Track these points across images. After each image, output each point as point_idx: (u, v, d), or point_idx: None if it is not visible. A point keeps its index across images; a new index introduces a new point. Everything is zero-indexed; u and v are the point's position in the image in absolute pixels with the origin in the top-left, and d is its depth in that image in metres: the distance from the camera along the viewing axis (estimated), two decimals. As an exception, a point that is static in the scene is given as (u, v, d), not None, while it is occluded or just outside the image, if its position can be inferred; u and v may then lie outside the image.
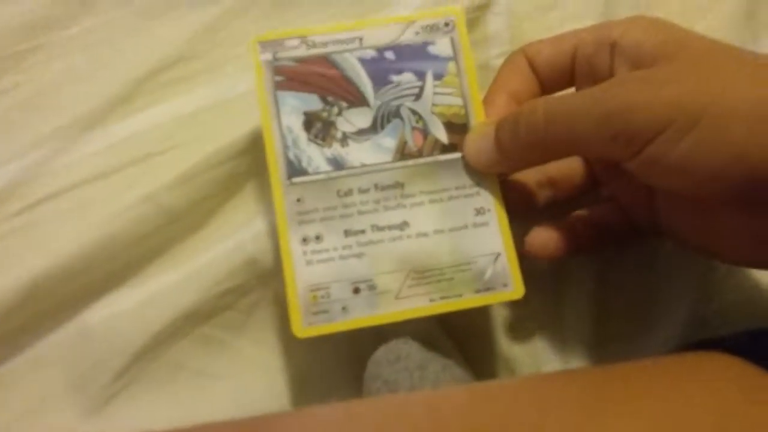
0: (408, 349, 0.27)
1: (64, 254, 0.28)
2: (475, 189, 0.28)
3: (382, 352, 0.27)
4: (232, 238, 0.30)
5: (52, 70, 0.32)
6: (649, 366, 0.23)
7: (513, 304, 0.32)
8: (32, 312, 0.29)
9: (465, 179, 0.28)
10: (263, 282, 0.30)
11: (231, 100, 0.32)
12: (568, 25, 0.34)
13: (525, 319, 0.32)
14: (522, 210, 0.30)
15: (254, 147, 0.31)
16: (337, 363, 0.31)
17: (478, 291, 0.27)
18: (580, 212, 0.31)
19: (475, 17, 0.34)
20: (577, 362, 0.31)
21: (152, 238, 0.30)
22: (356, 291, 0.27)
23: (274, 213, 0.27)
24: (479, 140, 0.27)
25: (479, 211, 0.28)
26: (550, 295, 0.32)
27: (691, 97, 0.22)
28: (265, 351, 0.31)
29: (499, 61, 0.30)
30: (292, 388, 0.30)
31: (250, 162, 0.31)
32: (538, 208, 0.31)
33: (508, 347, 0.32)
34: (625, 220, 0.30)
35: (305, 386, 0.31)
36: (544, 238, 0.29)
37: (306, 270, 0.27)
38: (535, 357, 0.32)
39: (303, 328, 0.26)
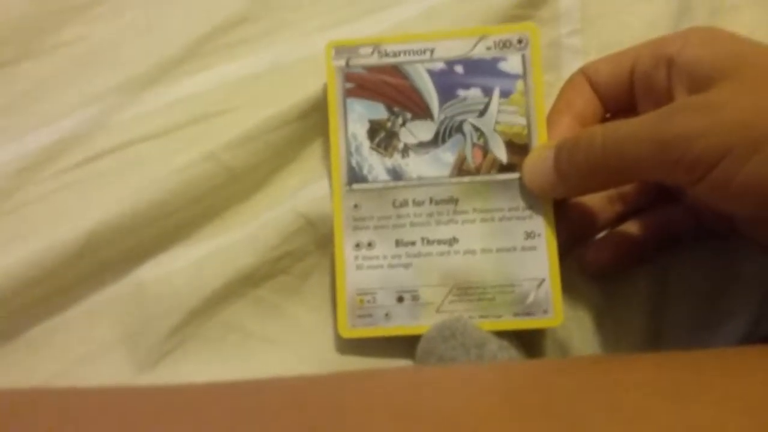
0: (463, 327, 0.27)
1: (119, 210, 0.28)
2: (528, 212, 0.28)
3: (435, 329, 0.27)
4: (290, 201, 0.30)
5: (116, 24, 0.32)
6: (718, 354, 0.23)
7: (566, 288, 0.29)
8: (87, 265, 0.29)
9: (519, 201, 0.28)
10: (320, 247, 0.30)
11: (288, 65, 0.32)
12: (638, 4, 0.32)
13: (579, 303, 0.30)
14: (586, 233, 0.29)
15: (312, 113, 0.31)
16: (391, 338, 0.30)
17: (517, 314, 0.28)
18: (644, 217, 0.29)
19: None
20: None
21: (210, 198, 0.30)
22: (400, 300, 0.28)
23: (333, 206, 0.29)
24: (538, 163, 0.27)
25: (529, 235, 0.28)
26: (602, 285, 0.30)
27: (753, 118, 0.22)
28: (319, 317, 0.30)
29: (571, 41, 0.29)
30: (345, 357, 0.30)
31: (308, 127, 0.31)
32: (604, 227, 0.30)
33: (561, 331, 0.30)
34: (697, 222, 0.29)
35: (357, 355, 0.30)
36: (607, 254, 0.29)
37: (356, 274, 0.28)
38: (591, 343, 0.30)
39: (348, 328, 0.28)
